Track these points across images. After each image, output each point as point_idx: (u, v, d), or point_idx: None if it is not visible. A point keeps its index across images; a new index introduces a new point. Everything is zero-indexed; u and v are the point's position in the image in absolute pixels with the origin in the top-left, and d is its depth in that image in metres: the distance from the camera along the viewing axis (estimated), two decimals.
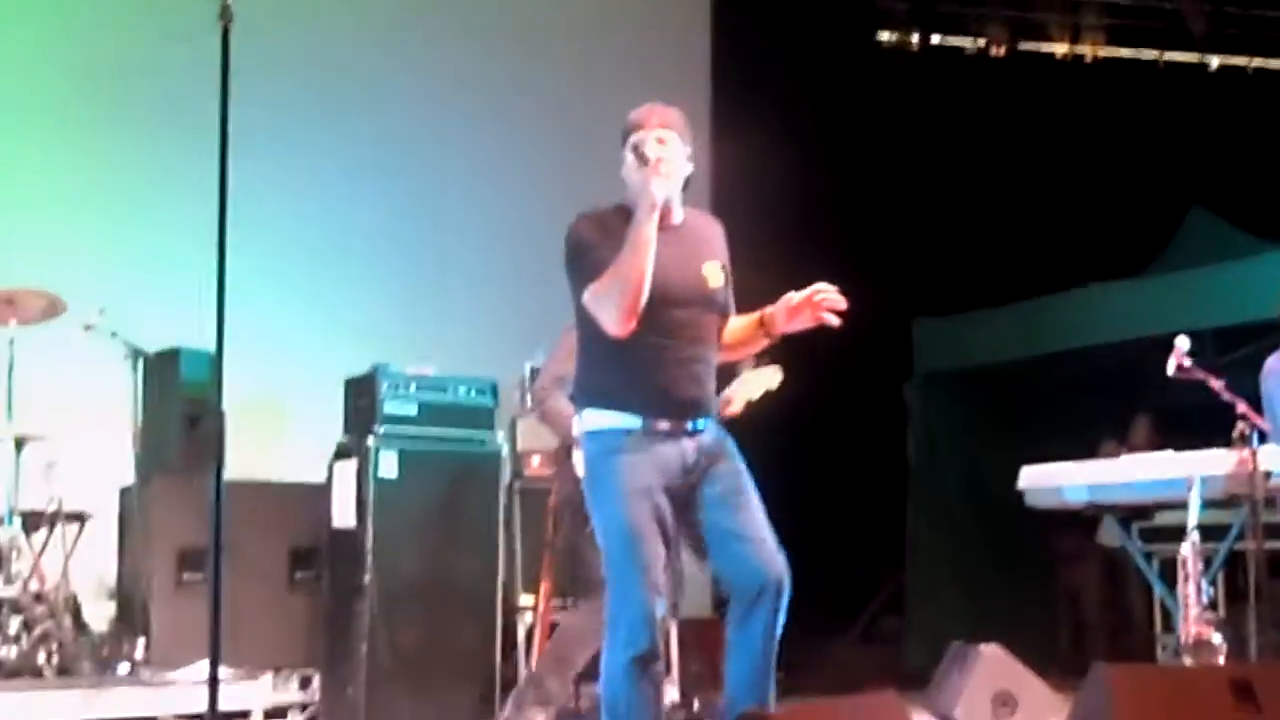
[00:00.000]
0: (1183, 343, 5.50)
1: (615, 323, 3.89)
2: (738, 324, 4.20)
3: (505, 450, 6.91)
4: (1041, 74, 12.35)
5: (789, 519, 6.01)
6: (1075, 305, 9.11)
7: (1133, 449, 8.10)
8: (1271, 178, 9.98)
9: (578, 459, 4.26)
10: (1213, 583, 6.07)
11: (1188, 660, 4.99)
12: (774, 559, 3.99)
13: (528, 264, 8.73)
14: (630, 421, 3.95)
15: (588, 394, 4.09)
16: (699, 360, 4.05)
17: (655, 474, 3.93)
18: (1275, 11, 12.42)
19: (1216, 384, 5.52)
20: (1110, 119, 11.32)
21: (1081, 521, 8.76)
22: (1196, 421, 6.34)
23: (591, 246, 3.98)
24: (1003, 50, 12.66)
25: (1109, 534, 8.84)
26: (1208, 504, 5.45)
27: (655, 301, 3.89)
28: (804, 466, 9.52)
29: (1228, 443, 5.43)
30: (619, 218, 4.00)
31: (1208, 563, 5.48)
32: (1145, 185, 10.62)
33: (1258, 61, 12.68)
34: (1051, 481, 6.07)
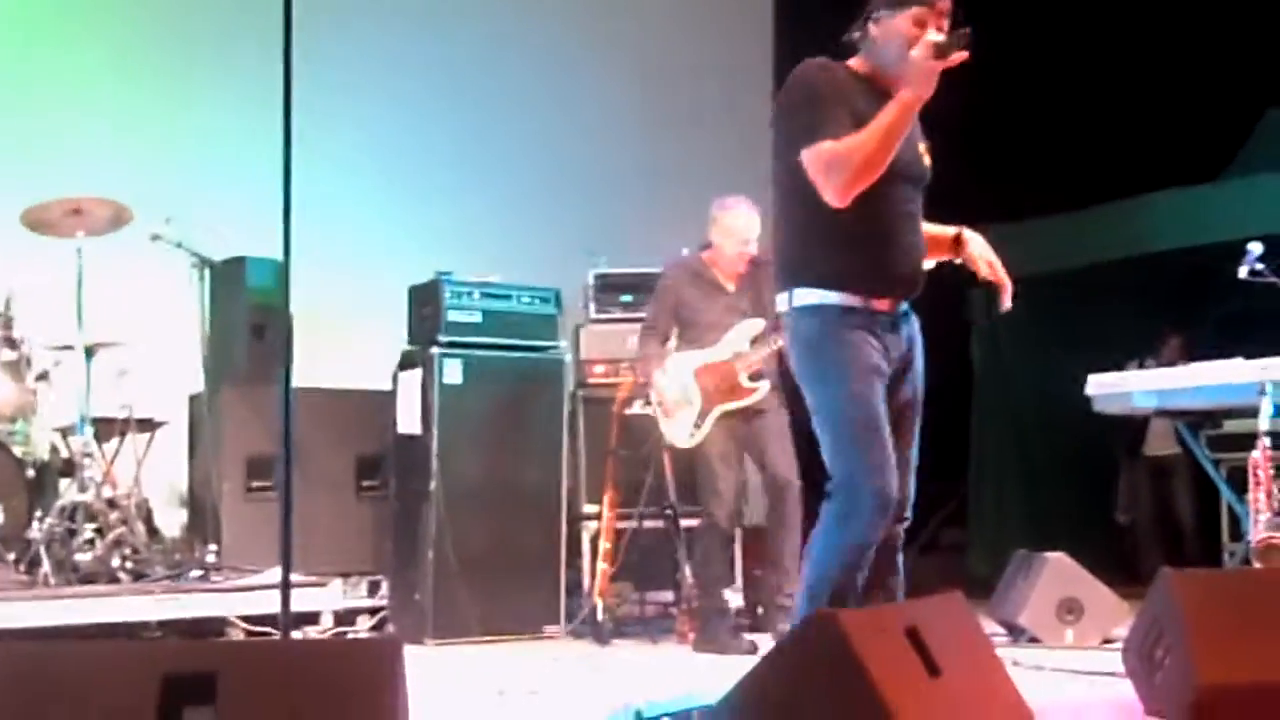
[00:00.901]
0: (1256, 247, 5.44)
1: (837, 193, 3.61)
2: (930, 228, 3.97)
3: (569, 358, 6.93)
4: None
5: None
6: (1146, 211, 8.97)
7: (1161, 365, 8.03)
8: None
9: (785, 339, 3.92)
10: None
11: (1258, 565, 4.96)
12: (908, 498, 3.81)
13: (590, 174, 8.78)
14: (850, 299, 3.71)
15: (800, 268, 3.79)
16: (917, 241, 3.83)
17: (878, 356, 3.71)
18: None
19: None
20: (1184, 19, 11.06)
21: (1130, 433, 8.74)
22: (1266, 327, 6.26)
23: (824, 100, 3.68)
24: None
25: (1156, 444, 8.80)
26: (1278, 410, 5.38)
27: (883, 174, 3.65)
28: None
29: None
30: (852, 79, 3.77)
31: (1278, 470, 5.41)
32: (1220, 88, 10.39)
33: None
34: (1121, 387, 6.02)
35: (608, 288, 7.30)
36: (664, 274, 6.47)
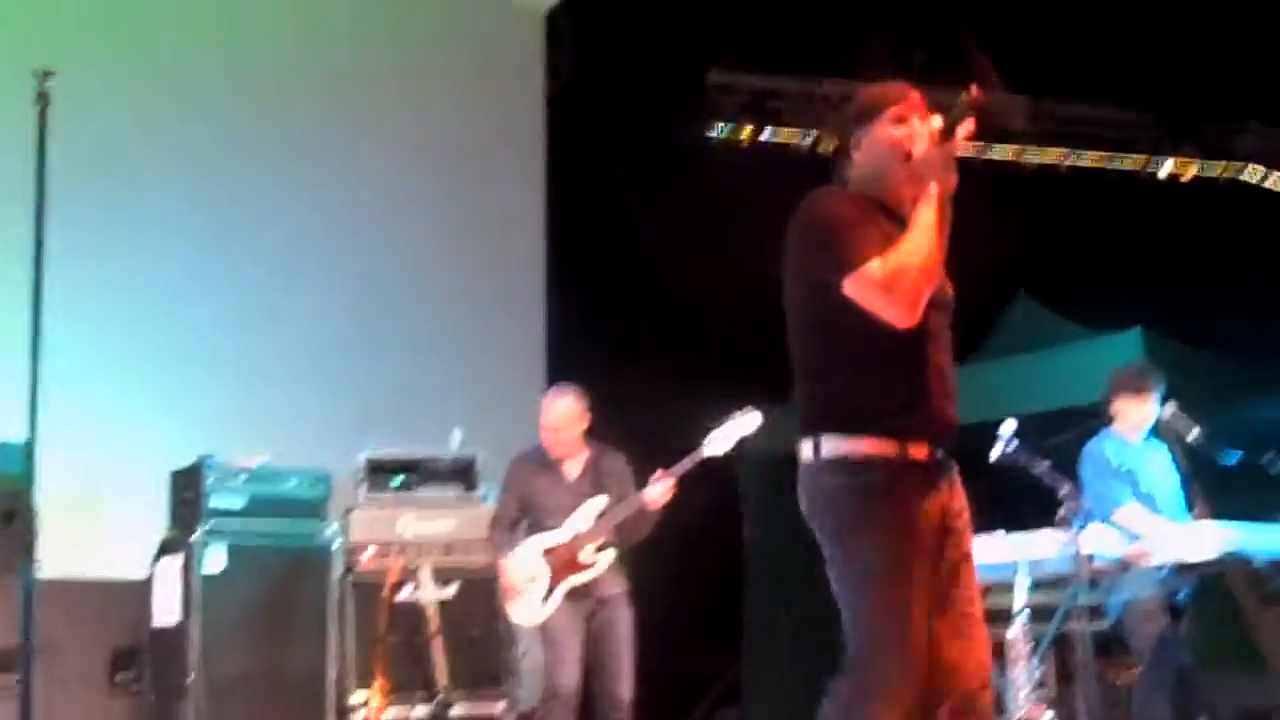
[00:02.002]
0: (1007, 428, 5.60)
1: (907, 307, 3.30)
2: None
3: (338, 542, 6.79)
4: None
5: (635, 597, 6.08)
6: None
7: None
8: (1092, 267, 10.29)
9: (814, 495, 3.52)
10: (1042, 663, 6.15)
11: None
12: (982, 667, 3.46)
13: (363, 353, 8.68)
14: (885, 448, 3.36)
15: (826, 414, 3.43)
16: (950, 376, 3.52)
17: (916, 514, 3.37)
18: (1086, 108, 12.88)
19: (1040, 468, 5.63)
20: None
21: None
22: (1021, 506, 6.47)
23: (852, 223, 3.40)
24: (830, 145, 12.92)
25: None
26: (1035, 586, 5.53)
27: None
28: (636, 553, 9.49)
29: (1052, 525, 5.54)
30: (863, 200, 3.50)
31: (1037, 643, 5.54)
32: (972, 273, 10.86)
33: (1088, 159, 13.13)
34: None
35: (379, 470, 7.19)
36: (510, 466, 6.53)
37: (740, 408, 6.23)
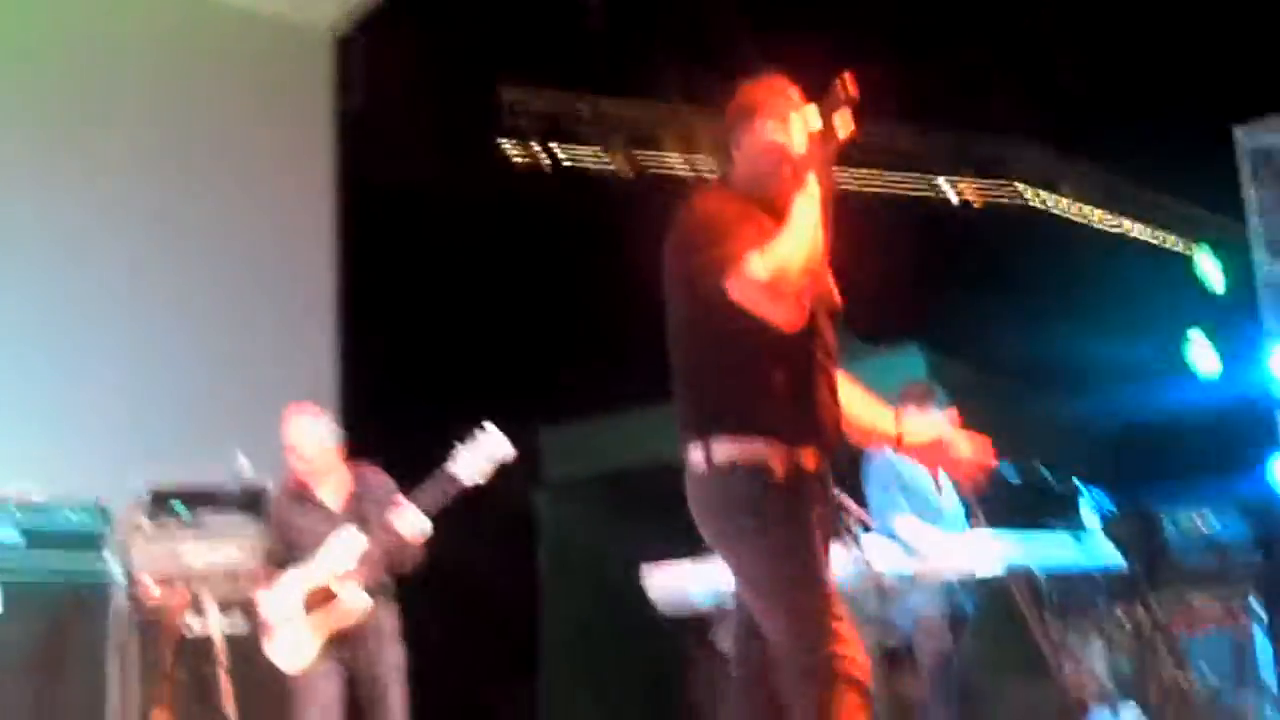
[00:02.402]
0: None
1: (791, 306, 3.23)
2: (862, 407, 3.59)
3: (119, 576, 6.57)
4: (664, 186, 12.74)
5: (417, 633, 5.95)
6: None
7: None
8: (875, 284, 10.52)
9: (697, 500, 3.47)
10: None
11: None
12: None
13: (146, 381, 8.42)
14: (777, 452, 3.32)
15: (713, 418, 3.38)
16: (835, 384, 3.48)
17: (809, 512, 3.33)
18: (871, 127, 13.20)
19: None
20: None
21: (699, 627, 8.96)
22: None
23: (734, 221, 3.32)
24: (628, 165, 13.02)
25: (725, 637, 9.05)
26: None
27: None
28: (431, 579, 9.39)
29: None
30: (747, 202, 3.41)
31: None
32: None
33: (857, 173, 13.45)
34: (679, 585, 6.16)
35: (161, 500, 6.97)
36: (272, 501, 6.21)
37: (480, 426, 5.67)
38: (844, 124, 3.34)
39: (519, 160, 12.29)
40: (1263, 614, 8.37)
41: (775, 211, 3.40)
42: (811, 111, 3.41)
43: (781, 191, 3.41)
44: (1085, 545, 6.09)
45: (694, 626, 8.91)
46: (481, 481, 5.71)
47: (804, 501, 3.33)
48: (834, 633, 3.25)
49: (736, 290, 3.25)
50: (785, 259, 3.22)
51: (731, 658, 3.60)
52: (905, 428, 3.63)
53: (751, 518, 3.32)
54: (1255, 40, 8.14)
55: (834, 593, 3.31)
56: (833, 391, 3.45)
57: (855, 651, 3.27)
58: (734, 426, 3.34)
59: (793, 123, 3.47)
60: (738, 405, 3.36)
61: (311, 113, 9.83)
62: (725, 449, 3.35)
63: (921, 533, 5.94)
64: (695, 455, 3.40)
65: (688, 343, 3.48)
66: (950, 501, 6.36)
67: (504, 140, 12.36)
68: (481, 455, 5.66)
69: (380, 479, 5.99)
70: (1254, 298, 8.18)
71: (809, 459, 3.37)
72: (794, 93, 3.51)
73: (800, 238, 3.26)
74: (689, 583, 6.13)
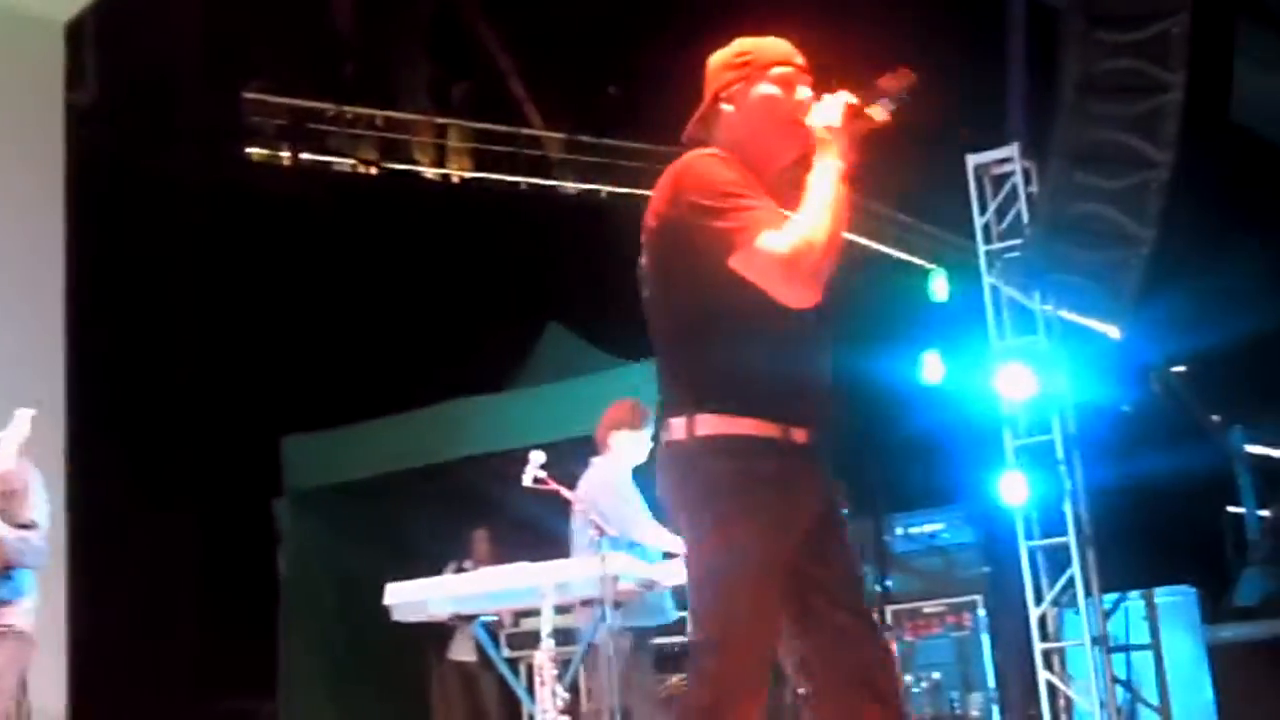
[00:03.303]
0: (537, 456, 5.69)
1: (806, 290, 3.02)
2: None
3: None
4: (410, 194, 12.66)
5: (152, 644, 5.75)
6: (440, 420, 9.29)
7: (478, 563, 8.35)
8: (621, 298, 10.63)
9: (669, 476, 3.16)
10: (574, 685, 6.28)
11: None
12: (863, 666, 3.13)
13: None
14: (769, 429, 3.05)
15: (699, 391, 3.09)
16: (828, 357, 3.23)
17: (792, 506, 3.07)
18: (623, 141, 13.37)
19: (570, 494, 5.75)
20: (473, 238, 11.74)
21: (439, 638, 8.91)
22: (548, 533, 6.62)
23: (740, 191, 3.07)
24: (373, 170, 12.90)
25: (459, 649, 9.03)
26: (562, 609, 5.63)
27: None
28: (171, 588, 9.11)
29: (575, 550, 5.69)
30: (741, 166, 3.14)
31: (565, 667, 5.64)
32: (504, 302, 11.06)
33: (609, 188, 13.60)
34: (417, 596, 6.09)
35: None
36: None
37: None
38: (881, 111, 3.14)
39: (259, 159, 12.05)
40: (986, 619, 8.75)
41: (769, 179, 3.20)
42: (843, 94, 3.18)
43: (771, 156, 3.23)
44: None
45: (436, 636, 8.86)
46: (13, 467, 5.40)
47: (794, 492, 3.08)
48: (749, 661, 3.01)
49: (745, 262, 3.03)
50: (811, 237, 3.02)
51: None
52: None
53: (731, 504, 3.03)
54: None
55: (773, 620, 3.06)
56: (828, 367, 3.20)
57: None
58: (723, 402, 3.06)
59: (799, 84, 3.24)
60: (729, 380, 3.08)
61: (41, 105, 9.40)
62: (711, 424, 3.06)
63: (665, 537, 6.00)
64: (676, 429, 3.11)
65: (674, 310, 3.18)
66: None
67: (248, 140, 12.12)
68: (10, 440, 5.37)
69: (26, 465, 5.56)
70: (983, 317, 8.51)
71: (801, 437, 3.10)
72: (803, 61, 3.28)
73: (827, 215, 3.05)
74: (429, 594, 6.06)
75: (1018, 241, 8.36)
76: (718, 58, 3.31)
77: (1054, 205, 7.94)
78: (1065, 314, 8.35)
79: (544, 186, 13.57)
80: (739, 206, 3.04)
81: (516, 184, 13.47)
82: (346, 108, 12.74)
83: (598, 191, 13.60)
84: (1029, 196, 8.31)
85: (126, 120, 9.97)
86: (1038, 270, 8.22)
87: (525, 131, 13.73)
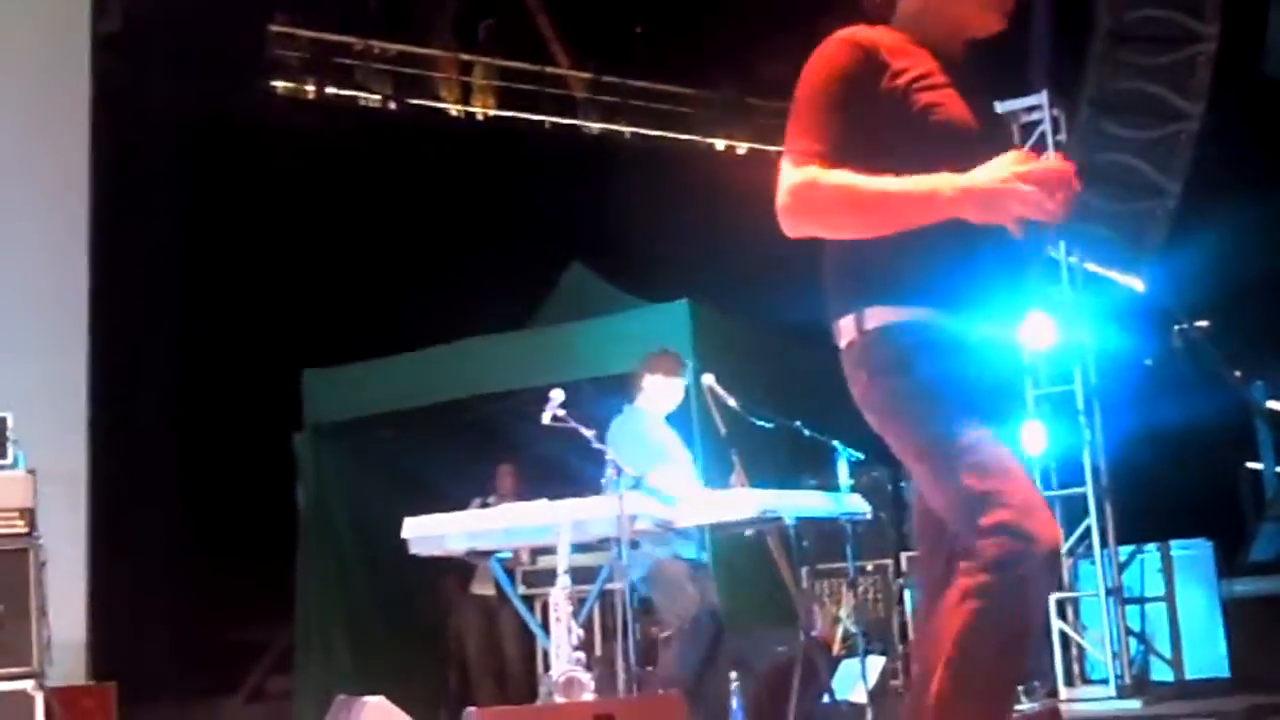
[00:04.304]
0: (557, 395, 5.71)
1: (788, 221, 2.84)
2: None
3: None
4: (433, 130, 12.63)
5: (170, 575, 5.82)
6: (460, 357, 9.29)
7: (502, 497, 8.39)
8: (642, 238, 10.63)
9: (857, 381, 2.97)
10: (587, 623, 6.33)
11: (559, 698, 5.17)
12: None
13: None
14: (942, 317, 2.85)
15: (868, 283, 2.90)
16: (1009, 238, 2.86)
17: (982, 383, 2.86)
18: (648, 83, 13.30)
19: (588, 433, 5.78)
20: (497, 176, 11.72)
21: (462, 571, 8.96)
22: (567, 470, 6.65)
23: (840, 105, 2.84)
24: (396, 105, 12.87)
25: (481, 583, 9.09)
26: (580, 548, 5.67)
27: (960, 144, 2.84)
28: (190, 521, 9.18)
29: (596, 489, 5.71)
30: (895, 51, 2.88)
31: (580, 605, 5.68)
32: (530, 238, 11.05)
33: (633, 129, 13.54)
34: (434, 530, 6.14)
35: None
36: None
37: None
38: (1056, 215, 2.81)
39: (284, 92, 12.02)
40: None
41: (952, 50, 2.97)
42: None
43: (968, 26, 2.98)
44: (837, 498, 6.25)
45: (459, 569, 8.92)
46: None
47: (964, 366, 2.86)
48: (1006, 502, 2.73)
49: (785, 165, 2.85)
50: (835, 197, 2.81)
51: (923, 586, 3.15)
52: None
53: (903, 377, 2.85)
54: None
55: (1011, 463, 2.82)
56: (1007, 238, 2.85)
57: (1034, 524, 2.74)
58: (891, 294, 2.88)
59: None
60: (895, 272, 2.87)
61: (69, 32, 9.38)
62: (879, 314, 2.89)
63: (677, 485, 6.03)
64: (847, 328, 2.95)
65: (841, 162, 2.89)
66: (687, 458, 6.49)
67: (273, 74, 12.09)
68: None
69: None
70: None
71: (971, 330, 2.89)
72: None
73: (876, 200, 2.79)
74: (446, 529, 6.11)
75: None
76: None
77: (1081, 154, 7.90)
78: (1089, 265, 8.32)
79: (569, 126, 13.52)
80: (826, 116, 2.85)
81: (541, 122, 13.43)
82: (373, 42, 12.68)
83: (622, 132, 13.54)
84: (1056, 144, 8.26)
85: (151, 49, 9.94)
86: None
87: (550, 70, 13.66)
